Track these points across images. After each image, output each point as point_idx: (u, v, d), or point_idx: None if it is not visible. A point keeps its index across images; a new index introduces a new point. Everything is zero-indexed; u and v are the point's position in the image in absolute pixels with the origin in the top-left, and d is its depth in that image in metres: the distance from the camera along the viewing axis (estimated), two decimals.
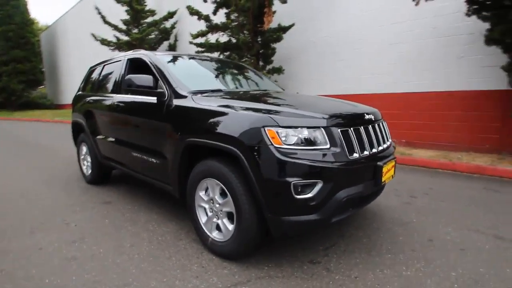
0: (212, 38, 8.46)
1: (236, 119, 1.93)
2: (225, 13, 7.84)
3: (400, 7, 6.01)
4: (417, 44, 6.02)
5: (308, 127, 1.83)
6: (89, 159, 4.03)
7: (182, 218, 2.83)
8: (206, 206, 2.21)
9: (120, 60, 3.43)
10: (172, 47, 11.25)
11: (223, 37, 8.24)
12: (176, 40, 11.21)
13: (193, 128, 2.18)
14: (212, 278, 1.89)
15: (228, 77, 3.26)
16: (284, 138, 1.78)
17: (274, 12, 6.37)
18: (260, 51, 7.18)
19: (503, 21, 4.24)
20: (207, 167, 2.11)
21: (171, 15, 11.33)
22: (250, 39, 6.58)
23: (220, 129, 1.97)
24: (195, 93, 2.46)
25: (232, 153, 1.89)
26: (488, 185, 3.78)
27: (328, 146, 1.84)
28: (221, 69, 3.35)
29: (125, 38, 11.10)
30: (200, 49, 8.56)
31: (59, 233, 2.55)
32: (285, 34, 7.01)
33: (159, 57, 2.91)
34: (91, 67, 4.32)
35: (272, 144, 1.77)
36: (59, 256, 2.17)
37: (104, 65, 3.83)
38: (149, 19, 11.73)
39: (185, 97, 2.41)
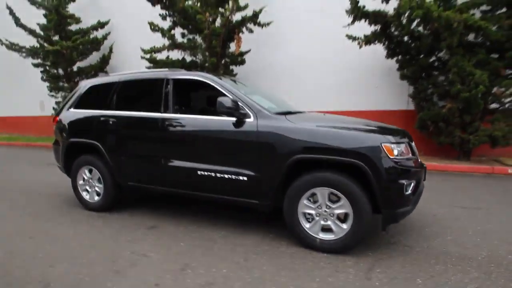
0: (160, 55, 8.01)
1: (355, 138, 2.24)
2: (182, 33, 7.60)
3: (335, 45, 7.28)
4: (347, 75, 7.43)
5: (401, 143, 2.33)
6: (97, 183, 3.37)
7: (251, 229, 2.83)
8: (312, 212, 2.39)
9: (157, 78, 3.10)
10: (105, 59, 9.84)
11: (175, 55, 7.92)
12: (111, 51, 9.88)
13: (303, 146, 2.33)
14: (348, 270, 2.11)
15: (272, 97, 3.39)
16: (394, 151, 2.22)
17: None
18: (222, 72, 7.28)
19: (411, 64, 5.87)
20: (319, 177, 2.30)
21: (102, 25, 9.95)
22: (217, 61, 6.63)
23: (341, 146, 2.22)
24: (280, 114, 2.61)
25: (354, 165, 2.19)
26: None
27: (411, 155, 2.38)
28: (259, 90, 3.47)
29: (45, 44, 8.99)
30: (150, 64, 7.97)
31: (150, 266, 2.19)
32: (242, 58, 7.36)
33: (223, 80, 2.86)
34: (90, 84, 3.59)
35: (388, 157, 2.17)
36: (192, 286, 1.93)
37: (122, 82, 3.31)
38: (73, 27, 9.92)
39: (274, 118, 2.52)
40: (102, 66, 9.99)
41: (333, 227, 2.34)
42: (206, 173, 2.71)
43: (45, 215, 3.31)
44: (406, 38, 5.87)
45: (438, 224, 2.95)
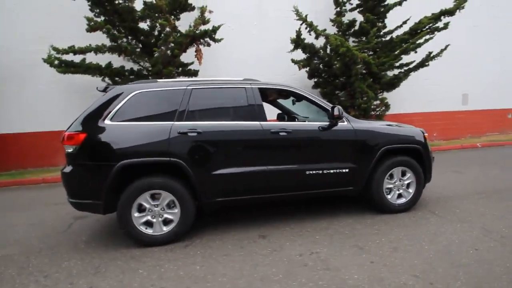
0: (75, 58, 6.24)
1: (413, 131, 3.27)
2: (112, 33, 6.22)
3: (271, 63, 8.16)
4: None
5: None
6: (167, 209, 2.70)
7: (333, 214, 3.28)
8: (391, 186, 3.20)
9: (240, 87, 2.94)
10: None
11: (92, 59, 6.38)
12: None
13: (388, 139, 3.11)
14: (426, 217, 3.08)
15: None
16: (427, 137, 3.41)
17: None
18: None
19: (327, 85, 7.78)
20: (398, 161, 3.15)
21: None
22: (174, 70, 5.98)
23: (410, 136, 3.20)
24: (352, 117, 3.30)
25: (416, 149, 3.20)
26: None
27: None
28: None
29: None
30: (57, 68, 5.99)
31: (335, 259, 2.29)
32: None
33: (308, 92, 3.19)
34: (135, 91, 2.73)
35: (427, 141, 3.34)
36: (381, 254, 2.27)
37: (193, 90, 2.81)
38: None
39: (359, 121, 3.20)
40: None
41: (404, 193, 3.26)
42: (314, 171, 2.95)
43: (121, 265, 2.30)
44: (321, 66, 7.72)
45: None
